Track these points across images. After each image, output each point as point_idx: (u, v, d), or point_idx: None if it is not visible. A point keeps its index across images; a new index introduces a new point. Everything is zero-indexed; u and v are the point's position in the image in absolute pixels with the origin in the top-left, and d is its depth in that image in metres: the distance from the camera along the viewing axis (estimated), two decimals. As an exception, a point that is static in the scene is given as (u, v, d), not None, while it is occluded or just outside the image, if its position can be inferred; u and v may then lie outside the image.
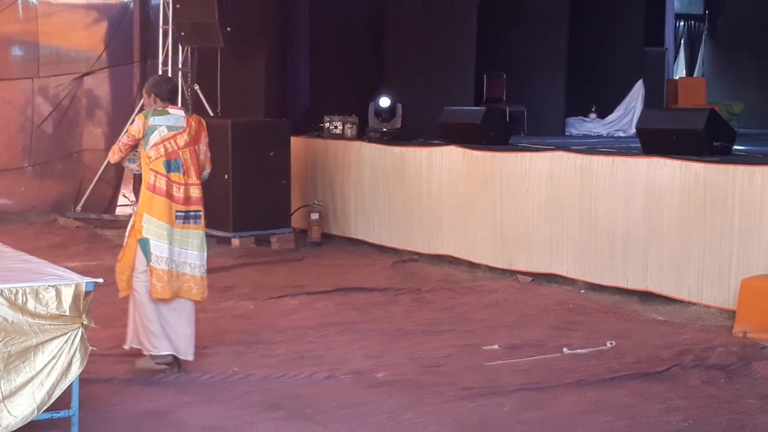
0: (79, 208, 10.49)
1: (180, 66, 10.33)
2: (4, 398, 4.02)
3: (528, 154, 7.97)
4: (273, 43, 10.30)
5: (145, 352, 5.26)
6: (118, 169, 10.81)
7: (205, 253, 5.30)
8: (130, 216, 5.86)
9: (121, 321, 5.94)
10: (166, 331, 5.20)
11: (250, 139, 9.15)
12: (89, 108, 11.00)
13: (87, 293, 4.17)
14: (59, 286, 4.11)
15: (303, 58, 10.71)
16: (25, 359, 4.05)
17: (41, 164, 10.52)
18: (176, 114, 5.21)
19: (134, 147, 5.21)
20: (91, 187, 10.46)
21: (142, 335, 5.22)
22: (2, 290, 4.02)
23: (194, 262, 5.23)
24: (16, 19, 10.38)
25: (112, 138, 10.60)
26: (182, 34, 9.97)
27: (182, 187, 5.16)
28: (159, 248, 5.09)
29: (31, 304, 4.05)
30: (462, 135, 8.65)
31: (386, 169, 9.20)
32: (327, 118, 9.88)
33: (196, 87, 10.34)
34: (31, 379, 4.06)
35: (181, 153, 5.16)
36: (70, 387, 4.16)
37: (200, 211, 5.27)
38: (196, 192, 5.24)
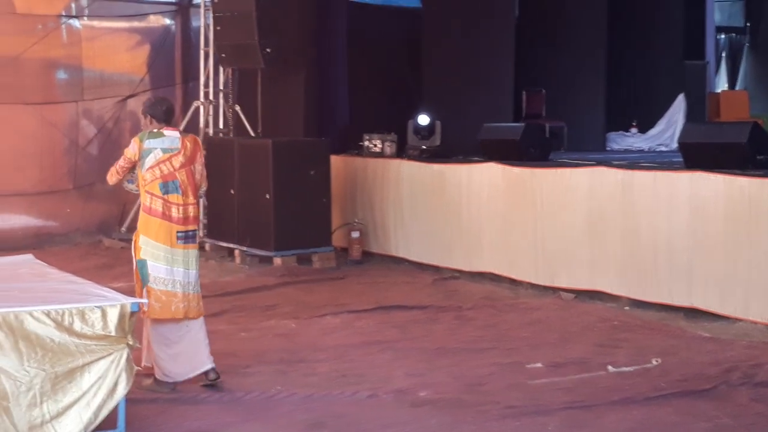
0: (123, 228, 10.61)
1: (221, 87, 10.44)
2: (51, 419, 4.08)
3: (568, 170, 7.92)
4: (312, 63, 10.38)
5: (155, 374, 5.28)
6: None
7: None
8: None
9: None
10: (173, 355, 5.22)
11: (290, 158, 9.21)
12: (133, 130, 11.13)
13: (132, 314, 4.23)
14: (105, 306, 4.18)
15: (342, 77, 10.77)
16: (71, 379, 4.11)
17: (86, 186, 10.68)
18: (171, 136, 5.28)
19: (131, 169, 5.30)
20: (135, 208, 10.56)
21: (153, 358, 5.28)
22: (49, 311, 4.09)
23: (195, 280, 5.30)
24: (61, 44, 10.57)
25: (155, 159, 10.76)
26: (223, 55, 10.08)
27: (181, 208, 5.23)
28: (156, 269, 5.14)
29: (77, 325, 4.12)
30: (501, 151, 8.62)
31: (425, 186, 9.20)
32: (366, 137, 9.91)
33: (237, 108, 10.44)
34: (78, 399, 4.13)
35: (177, 174, 5.23)
36: (116, 407, 4.21)
37: (196, 230, 5.38)
38: (193, 211, 5.31)
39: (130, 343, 4.18)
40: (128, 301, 4.26)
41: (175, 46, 11.20)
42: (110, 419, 4.21)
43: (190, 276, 5.23)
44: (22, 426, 4.03)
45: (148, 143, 5.22)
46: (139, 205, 5.33)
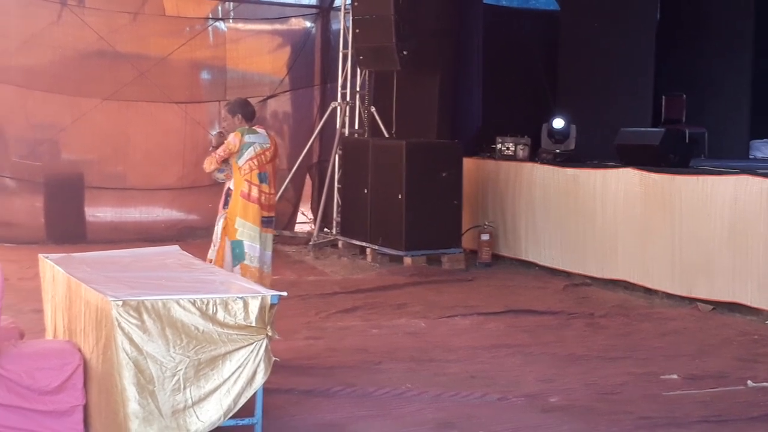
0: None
1: (358, 89, 10.61)
2: (193, 404, 4.24)
3: (710, 178, 7.68)
4: (447, 65, 10.41)
5: None
6: (298, 187, 11.23)
7: None
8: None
9: (301, 334, 6.19)
10: None
11: (423, 159, 9.28)
12: (272, 129, 11.47)
13: (272, 306, 4.35)
14: (247, 298, 4.31)
15: (476, 79, 10.76)
16: (213, 367, 4.26)
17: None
18: (262, 133, 5.95)
19: (226, 159, 5.77)
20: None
21: None
22: (194, 300, 4.25)
23: (270, 261, 5.97)
24: (207, 45, 10.98)
25: (293, 157, 11.05)
26: (361, 58, 10.24)
27: (267, 196, 5.88)
28: (252, 249, 5.80)
29: (220, 315, 4.26)
30: (639, 157, 8.42)
31: (559, 191, 9.09)
32: (499, 139, 9.87)
33: (373, 109, 10.59)
34: (219, 386, 4.26)
35: (267, 167, 5.88)
36: (253, 395, 4.34)
37: (274, 216, 6.03)
38: (273, 200, 6.00)
39: (270, 334, 4.31)
40: (269, 293, 4.39)
41: (315, 48, 11.45)
42: (247, 408, 4.33)
43: (269, 257, 5.93)
44: (166, 409, 4.19)
45: (248, 138, 5.81)
46: (227, 192, 5.84)
